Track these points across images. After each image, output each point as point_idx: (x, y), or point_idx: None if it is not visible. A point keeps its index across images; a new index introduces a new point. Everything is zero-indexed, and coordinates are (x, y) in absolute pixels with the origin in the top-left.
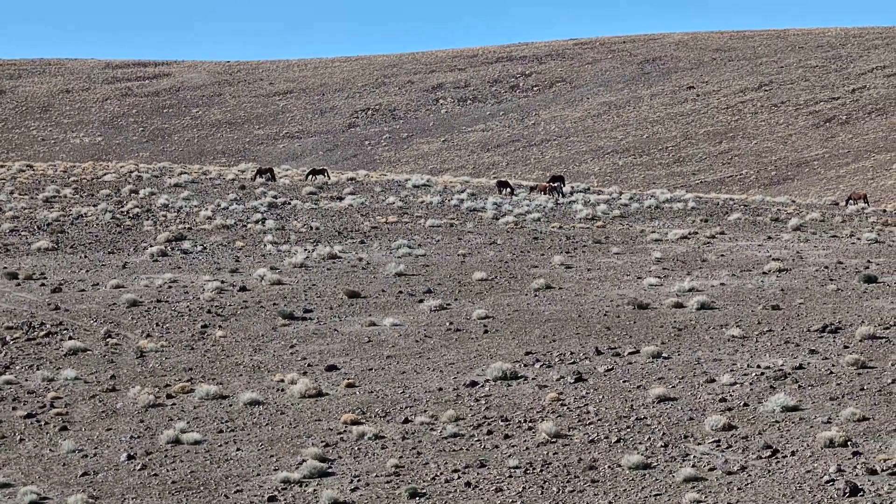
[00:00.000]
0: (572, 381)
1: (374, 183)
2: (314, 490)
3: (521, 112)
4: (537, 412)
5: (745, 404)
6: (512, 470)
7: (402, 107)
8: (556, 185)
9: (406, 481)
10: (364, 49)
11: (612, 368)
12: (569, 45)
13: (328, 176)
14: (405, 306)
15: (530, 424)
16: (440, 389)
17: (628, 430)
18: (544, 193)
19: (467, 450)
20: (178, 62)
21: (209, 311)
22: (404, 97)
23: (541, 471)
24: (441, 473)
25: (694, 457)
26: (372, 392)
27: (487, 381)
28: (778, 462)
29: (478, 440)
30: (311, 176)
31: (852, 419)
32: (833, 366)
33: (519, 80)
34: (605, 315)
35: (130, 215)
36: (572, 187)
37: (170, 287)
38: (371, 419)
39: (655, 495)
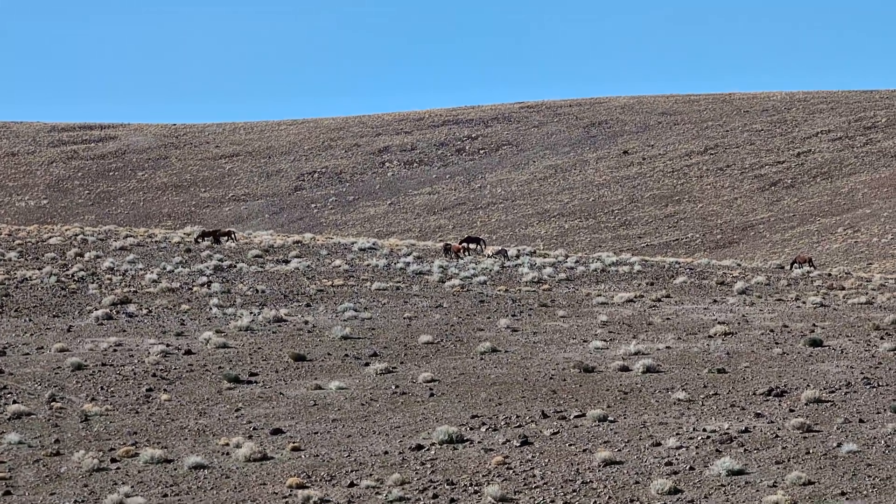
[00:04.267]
0: (518, 444)
1: (320, 246)
2: None
3: (467, 175)
4: (483, 476)
5: (691, 468)
6: None
7: (348, 170)
8: (469, 245)
9: None
10: (310, 112)
11: (558, 432)
12: (515, 108)
13: (234, 237)
14: (351, 369)
15: (476, 488)
16: (386, 453)
17: (574, 493)
18: (457, 253)
19: None
20: (124, 125)
21: (154, 375)
22: (351, 160)
23: None
24: None
25: None
26: (317, 455)
27: (433, 444)
28: None
29: None
30: (202, 238)
31: (798, 483)
32: (779, 429)
33: (465, 143)
34: (551, 378)
35: (76, 279)
36: (518, 250)
37: (115, 350)
38: (317, 483)
39: None
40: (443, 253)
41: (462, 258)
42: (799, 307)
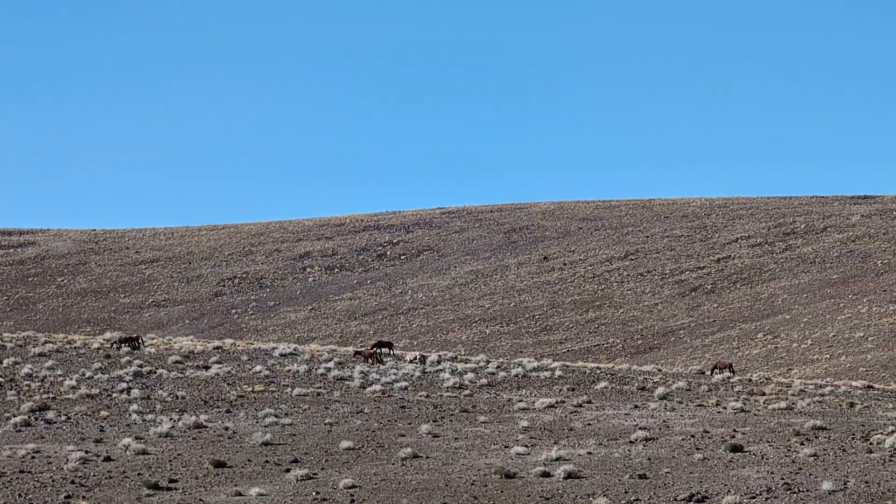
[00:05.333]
0: None
1: (240, 352)
2: None
3: (388, 280)
4: None
5: None
6: None
7: (269, 275)
8: (379, 350)
9: None
10: (231, 217)
11: None
12: (436, 213)
13: (141, 345)
14: (271, 476)
15: None
16: None
17: None
18: (368, 359)
19: None
20: (43, 231)
21: (73, 482)
22: (271, 265)
23: None
24: None
25: None
26: None
27: None
28: None
29: None
30: (119, 344)
31: None
32: None
33: (386, 248)
34: (472, 484)
35: None
36: (439, 356)
37: (33, 457)
38: None
39: None
40: (353, 358)
41: (372, 363)
42: (719, 412)
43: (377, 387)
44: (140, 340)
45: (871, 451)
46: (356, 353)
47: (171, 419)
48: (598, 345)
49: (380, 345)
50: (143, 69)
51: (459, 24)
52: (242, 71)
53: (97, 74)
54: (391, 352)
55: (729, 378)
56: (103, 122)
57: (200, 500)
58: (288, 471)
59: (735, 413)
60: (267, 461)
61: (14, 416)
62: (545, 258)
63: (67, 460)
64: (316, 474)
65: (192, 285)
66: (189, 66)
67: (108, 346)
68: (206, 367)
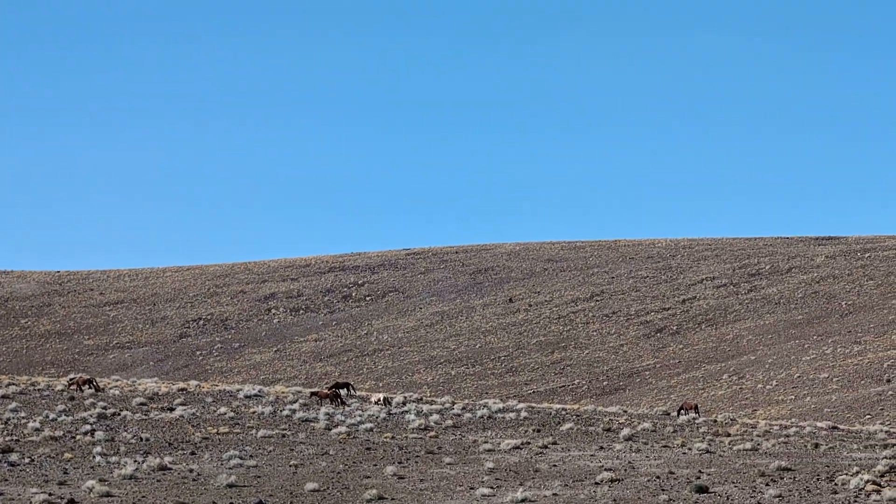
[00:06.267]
0: None
1: (205, 393)
2: None
3: (353, 322)
4: None
5: None
6: None
7: (234, 316)
8: (338, 391)
9: None
10: (195, 259)
11: None
12: (401, 254)
13: (95, 386)
14: None
15: None
16: None
17: None
18: (323, 399)
19: None
20: (7, 272)
21: None
22: (236, 307)
23: None
24: None
25: None
26: None
27: None
28: None
29: None
30: (75, 386)
31: None
32: None
33: (352, 289)
34: None
35: None
36: (405, 397)
37: None
38: None
39: None
40: (310, 398)
41: (331, 404)
42: (685, 453)
43: (342, 428)
44: (94, 382)
45: (835, 492)
46: (312, 393)
47: (135, 461)
48: (563, 386)
49: (338, 386)
50: (103, 108)
51: (424, 63)
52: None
53: (57, 114)
54: (350, 392)
55: (694, 419)
56: (66, 163)
57: None
58: None
59: (700, 454)
60: (232, 503)
61: None
62: (510, 299)
63: (31, 503)
64: None
65: (156, 327)
66: (148, 105)
67: (66, 387)
68: (171, 409)
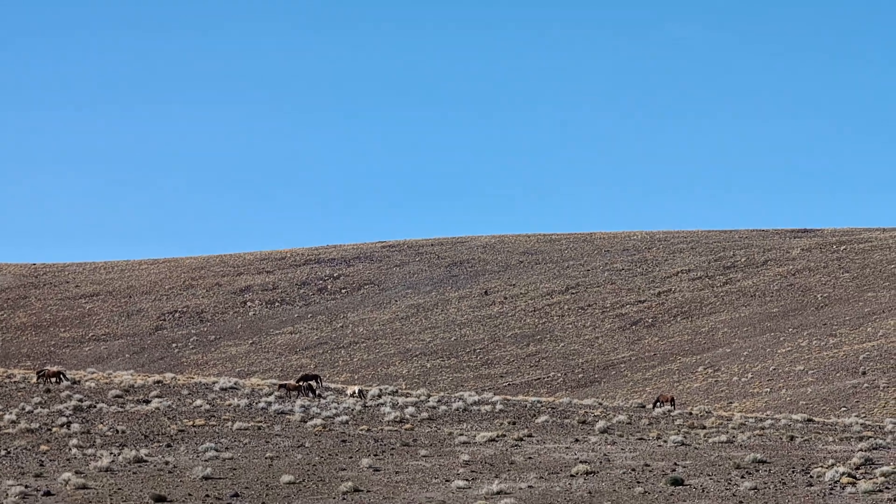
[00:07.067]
0: None
1: (181, 386)
2: None
3: (329, 314)
4: None
5: None
6: None
7: (209, 309)
8: (306, 383)
9: None
10: (171, 252)
11: None
12: (377, 247)
13: (65, 378)
14: None
15: None
16: None
17: None
18: (294, 392)
19: None
20: None
21: None
22: (212, 300)
23: None
24: None
25: None
26: None
27: None
28: None
29: None
30: (43, 378)
31: None
32: None
33: (327, 282)
34: None
35: None
36: (380, 390)
37: None
38: None
39: None
40: (277, 391)
41: (298, 395)
42: (660, 446)
43: (318, 421)
44: (63, 374)
45: (811, 485)
46: (280, 385)
47: (111, 453)
48: (538, 378)
49: (306, 378)
50: (81, 95)
51: (399, 55)
52: (178, 102)
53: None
54: (319, 384)
55: (670, 411)
56: (42, 154)
57: None
58: None
59: (676, 446)
60: (207, 495)
61: None
62: (486, 292)
63: (7, 495)
64: None
65: (132, 319)
66: (124, 96)
67: (34, 381)
68: (147, 402)
